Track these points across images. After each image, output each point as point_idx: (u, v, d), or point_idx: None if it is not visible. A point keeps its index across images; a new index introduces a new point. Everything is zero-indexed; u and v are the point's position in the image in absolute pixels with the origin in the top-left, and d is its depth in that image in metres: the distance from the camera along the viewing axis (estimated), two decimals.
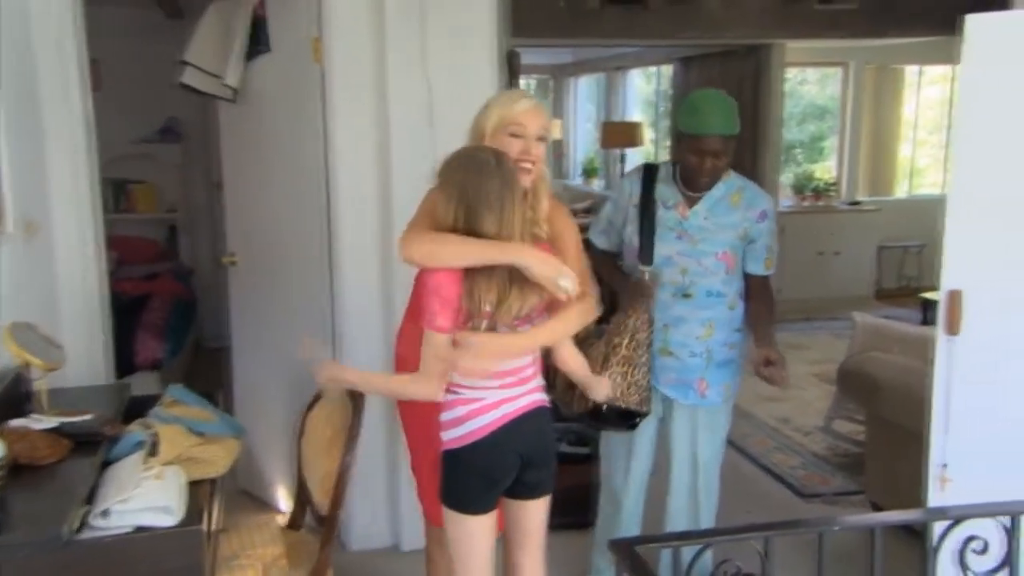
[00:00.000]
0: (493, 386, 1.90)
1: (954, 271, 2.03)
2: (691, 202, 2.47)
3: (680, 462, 2.59)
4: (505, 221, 1.83)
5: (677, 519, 2.62)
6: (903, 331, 3.99)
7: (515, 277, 1.84)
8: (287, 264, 3.28)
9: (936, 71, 8.05)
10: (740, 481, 3.90)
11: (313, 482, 2.36)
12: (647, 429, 2.55)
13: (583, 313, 1.96)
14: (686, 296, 2.44)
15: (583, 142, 10.19)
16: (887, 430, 3.26)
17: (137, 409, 2.20)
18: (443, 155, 1.93)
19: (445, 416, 1.93)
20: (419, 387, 1.90)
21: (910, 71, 8.08)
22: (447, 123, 2.91)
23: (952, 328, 2.02)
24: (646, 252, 2.43)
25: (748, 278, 2.52)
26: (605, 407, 2.22)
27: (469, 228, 1.82)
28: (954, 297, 2.01)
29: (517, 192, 1.87)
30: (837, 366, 3.69)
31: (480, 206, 1.82)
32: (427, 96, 2.93)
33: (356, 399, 2.23)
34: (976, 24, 1.97)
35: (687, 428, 2.55)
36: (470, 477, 1.92)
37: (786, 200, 7.56)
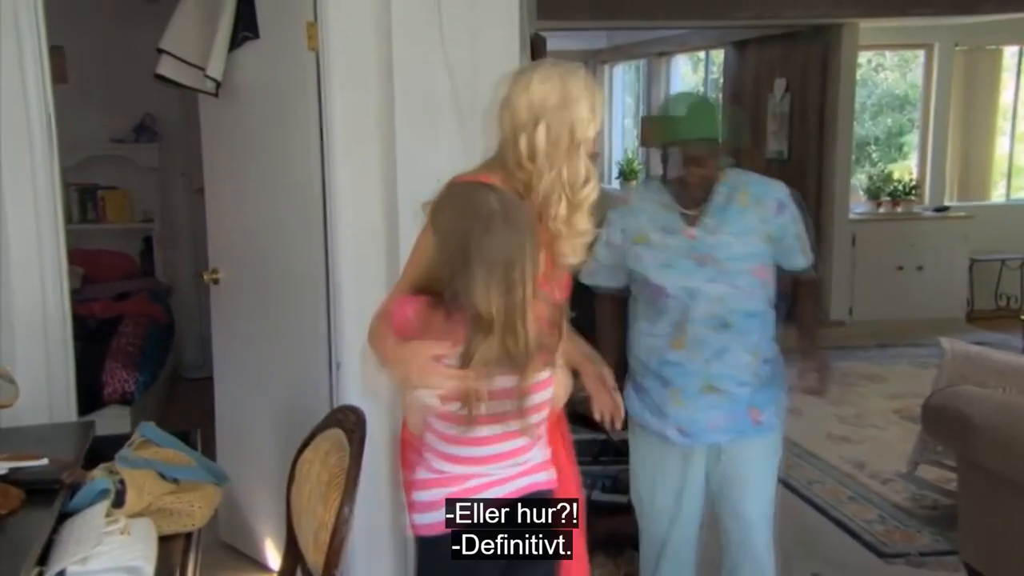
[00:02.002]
0: (477, 467, 1.88)
1: None
2: (692, 220, 2.45)
3: (738, 505, 2.58)
4: (501, 292, 1.73)
5: None
6: (1002, 361, 3.92)
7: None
8: (278, 282, 3.29)
9: None
10: (807, 536, 3.84)
11: (306, 535, 2.35)
12: (696, 473, 2.56)
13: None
14: (726, 326, 2.42)
15: (620, 140, 10.20)
16: (983, 479, 3.18)
17: (102, 451, 2.21)
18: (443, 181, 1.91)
19: (418, 496, 1.93)
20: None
21: (1009, 53, 8.00)
22: (463, 118, 2.95)
23: None
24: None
25: (787, 276, 2.54)
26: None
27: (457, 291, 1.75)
28: None
29: (530, 253, 1.76)
30: (921, 401, 3.63)
31: (476, 267, 1.73)
32: (439, 88, 2.93)
33: (354, 440, 2.22)
34: None
35: (745, 466, 2.54)
36: (447, 572, 1.89)
37: (858, 205, 7.51)
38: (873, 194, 7.62)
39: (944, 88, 7.71)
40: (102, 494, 1.95)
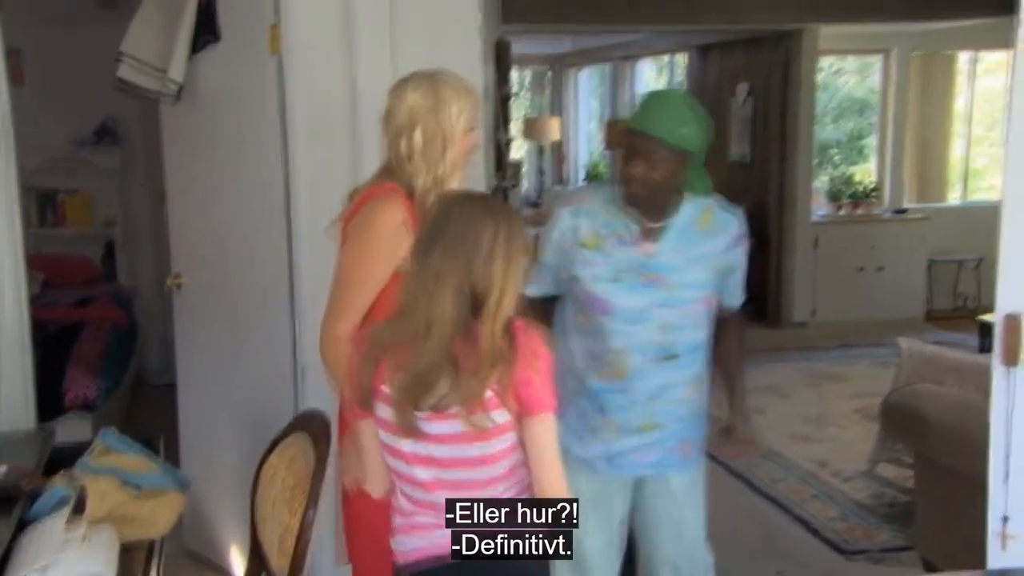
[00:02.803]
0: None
1: (1011, 291, 2.03)
2: (652, 234, 2.23)
3: (666, 549, 2.42)
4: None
5: None
6: (957, 360, 3.99)
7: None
8: (242, 287, 3.27)
9: (993, 58, 8.11)
10: (770, 535, 3.89)
11: (270, 541, 2.33)
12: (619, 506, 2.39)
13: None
14: (672, 358, 2.24)
15: (585, 143, 10.24)
16: (939, 475, 3.25)
17: (62, 459, 2.19)
18: None
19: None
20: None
21: (963, 58, 8.14)
22: None
23: (1010, 358, 2.01)
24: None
25: (718, 314, 2.34)
26: None
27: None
28: (1012, 322, 2.00)
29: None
30: (881, 400, 3.70)
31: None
32: None
33: (319, 444, 2.22)
34: None
35: (670, 503, 2.39)
36: None
37: (820, 208, 7.60)
38: (834, 196, 7.72)
39: (901, 92, 7.83)
40: (62, 502, 1.93)
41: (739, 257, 2.32)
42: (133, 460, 2.18)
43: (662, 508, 2.39)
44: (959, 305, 7.63)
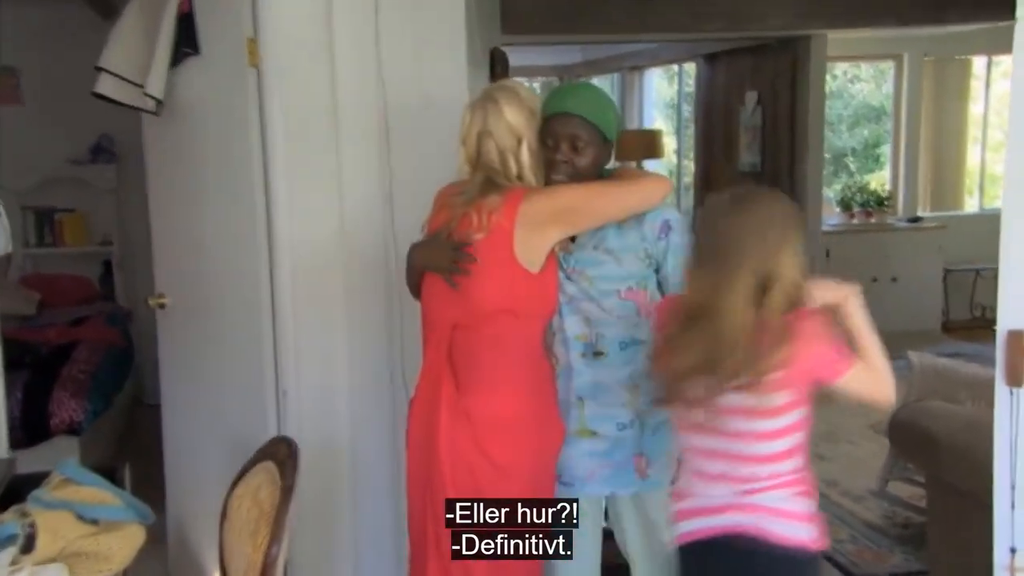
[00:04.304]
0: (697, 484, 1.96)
1: (1014, 307, 1.92)
2: None
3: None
4: None
5: None
6: (971, 374, 3.85)
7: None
8: (224, 307, 3.19)
9: (1010, 61, 7.96)
10: None
11: None
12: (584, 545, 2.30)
13: None
14: (597, 355, 2.22)
15: None
16: (951, 497, 3.11)
17: (22, 490, 2.11)
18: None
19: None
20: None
21: (978, 63, 8.00)
22: (406, 135, 2.91)
23: (1015, 378, 1.90)
24: None
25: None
26: None
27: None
28: (1015, 340, 1.89)
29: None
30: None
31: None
32: (382, 104, 2.89)
33: (285, 474, 2.13)
34: None
35: (636, 529, 2.30)
36: None
37: (831, 217, 7.46)
38: (846, 205, 7.58)
39: (915, 98, 7.70)
40: (10, 540, 1.84)
41: (670, 249, 2.21)
42: (91, 492, 2.10)
43: (634, 531, 2.30)
44: (977, 316, 7.46)
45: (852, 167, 9.27)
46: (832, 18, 6.20)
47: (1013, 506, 1.91)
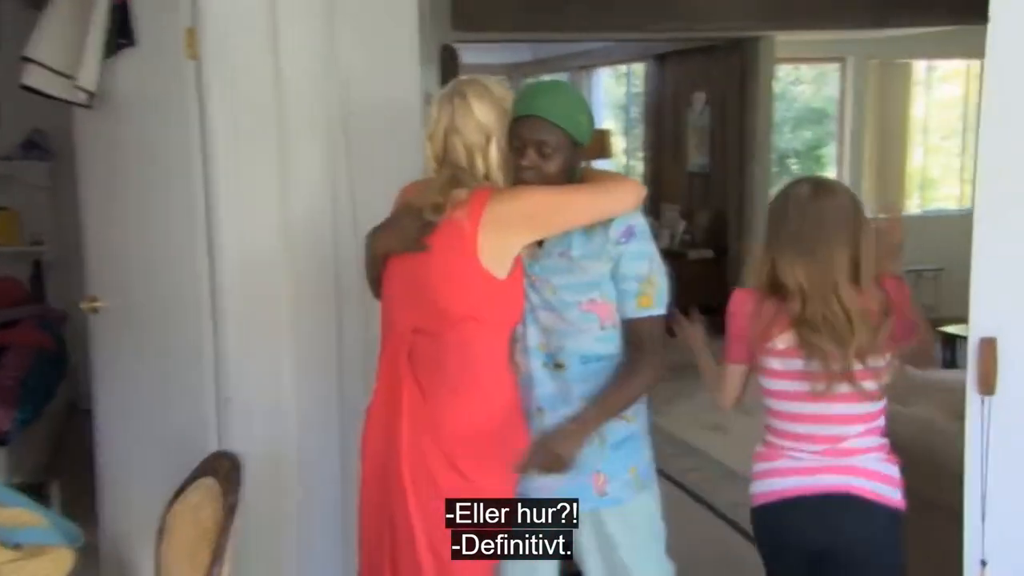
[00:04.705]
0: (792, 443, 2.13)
1: (986, 313, 1.87)
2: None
3: None
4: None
5: None
6: (920, 377, 3.82)
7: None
8: (161, 310, 3.05)
9: (949, 66, 8.12)
10: (733, 567, 3.71)
11: None
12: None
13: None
14: (558, 367, 2.11)
15: None
16: (914, 505, 3.07)
17: None
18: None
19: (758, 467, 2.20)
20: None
21: (919, 67, 8.14)
22: (355, 132, 2.82)
23: (986, 386, 1.86)
24: None
25: (630, 340, 2.14)
26: None
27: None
28: (988, 347, 1.85)
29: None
30: None
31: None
32: (331, 99, 2.79)
33: (228, 490, 2.00)
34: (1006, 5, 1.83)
35: (592, 544, 2.20)
36: (761, 547, 2.19)
37: None
38: None
39: (859, 101, 7.80)
40: None
41: (630, 254, 2.09)
42: (13, 514, 1.96)
43: (591, 547, 2.21)
44: None
45: (795, 169, 9.38)
46: (781, 20, 6.25)
47: (984, 517, 1.87)
